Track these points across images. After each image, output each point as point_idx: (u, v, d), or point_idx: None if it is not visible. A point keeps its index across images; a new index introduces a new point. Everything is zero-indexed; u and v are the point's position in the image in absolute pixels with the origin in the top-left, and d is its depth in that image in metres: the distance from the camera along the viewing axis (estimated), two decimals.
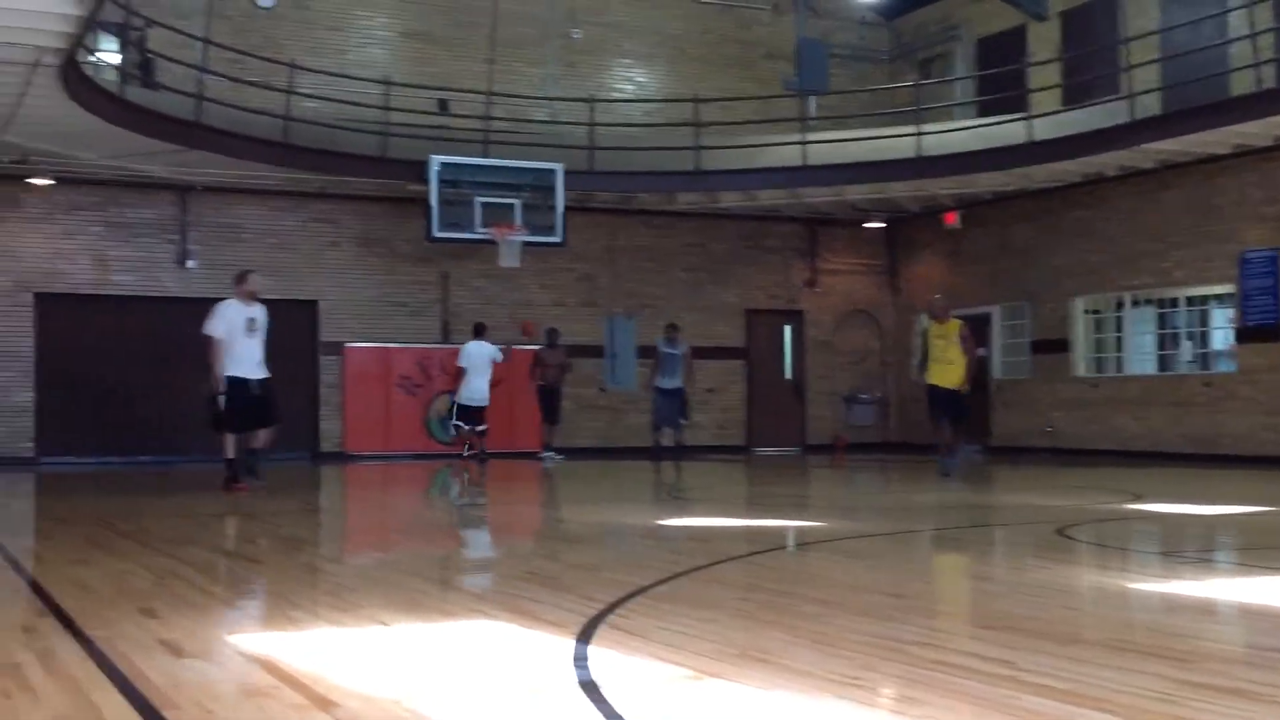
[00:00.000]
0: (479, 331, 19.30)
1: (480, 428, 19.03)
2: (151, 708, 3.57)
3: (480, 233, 19.17)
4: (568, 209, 20.02)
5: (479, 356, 18.89)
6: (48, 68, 13.18)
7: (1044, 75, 20.93)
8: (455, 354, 19.71)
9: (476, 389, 18.85)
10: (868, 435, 24.32)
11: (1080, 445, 17.51)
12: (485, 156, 19.50)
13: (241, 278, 13.25)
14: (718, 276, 23.56)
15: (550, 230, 19.65)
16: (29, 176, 18.87)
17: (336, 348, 20.91)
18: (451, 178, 19.00)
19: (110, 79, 16.49)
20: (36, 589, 6.02)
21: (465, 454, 19.27)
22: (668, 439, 19.75)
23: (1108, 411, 20.19)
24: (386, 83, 19.16)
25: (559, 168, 19.59)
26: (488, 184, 19.22)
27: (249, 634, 4.71)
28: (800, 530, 9.26)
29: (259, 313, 12.61)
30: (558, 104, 22.16)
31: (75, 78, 14.14)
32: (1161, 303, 20.03)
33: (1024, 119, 18.89)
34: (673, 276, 23.26)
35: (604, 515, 10.53)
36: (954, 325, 14.64)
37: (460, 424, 19.07)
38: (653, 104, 23.13)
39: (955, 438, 14.81)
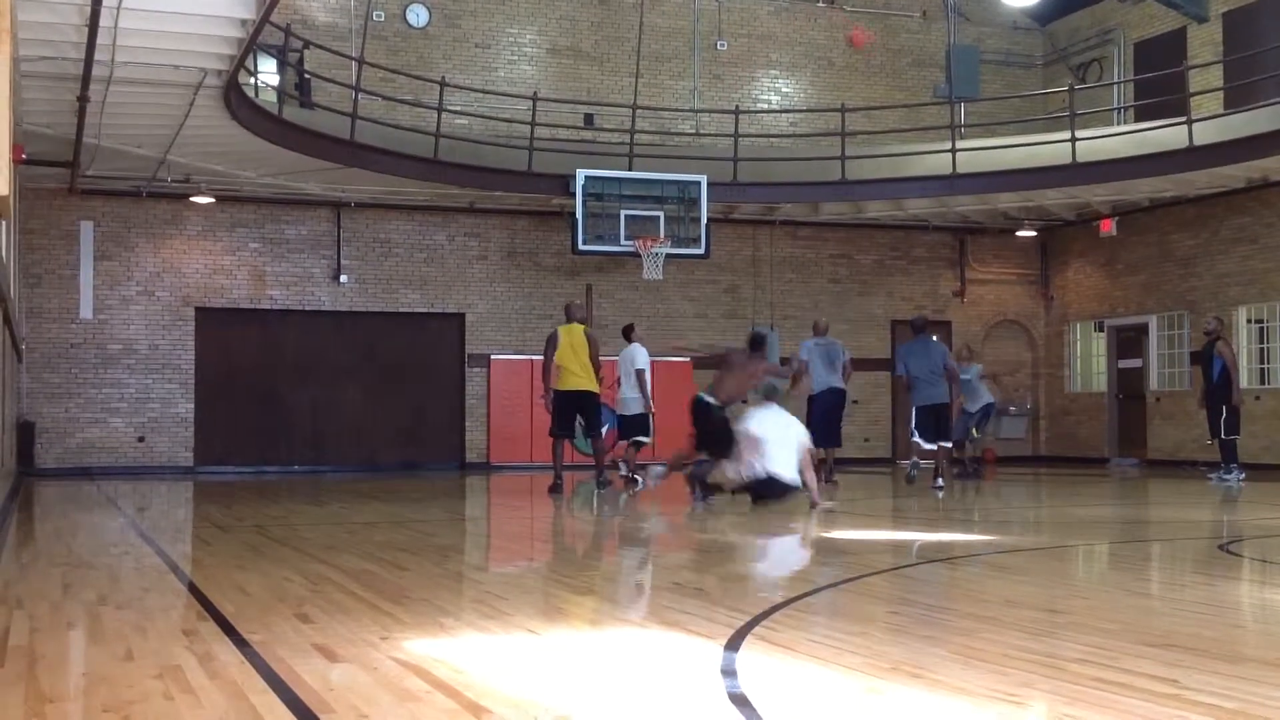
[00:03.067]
0: (626, 334, 16.88)
1: (635, 440, 15.92)
2: (308, 711, 3.63)
3: (625, 245, 19.25)
4: (711, 220, 19.99)
5: (623, 362, 16.23)
6: (210, 89, 13.63)
7: (1205, 78, 20.28)
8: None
9: (620, 398, 16.29)
10: (1017, 448, 23.82)
11: (1241, 459, 16.87)
12: (630, 169, 19.59)
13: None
14: (863, 287, 23.33)
15: (694, 242, 19.64)
16: (192, 195, 19.53)
17: (483, 360, 21.21)
18: (596, 191, 19.13)
19: (269, 99, 16.99)
20: (197, 593, 6.19)
21: (622, 472, 16.05)
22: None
23: (1271, 424, 19.45)
24: (534, 98, 19.39)
25: (703, 179, 19.59)
26: (632, 196, 19.31)
27: (401, 640, 4.77)
28: (950, 544, 9.07)
29: None
30: (702, 116, 22.22)
31: (236, 98, 14.59)
32: None
33: (1184, 123, 18.31)
34: (817, 287, 23.10)
35: (749, 527, 10.46)
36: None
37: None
38: (798, 114, 23.01)
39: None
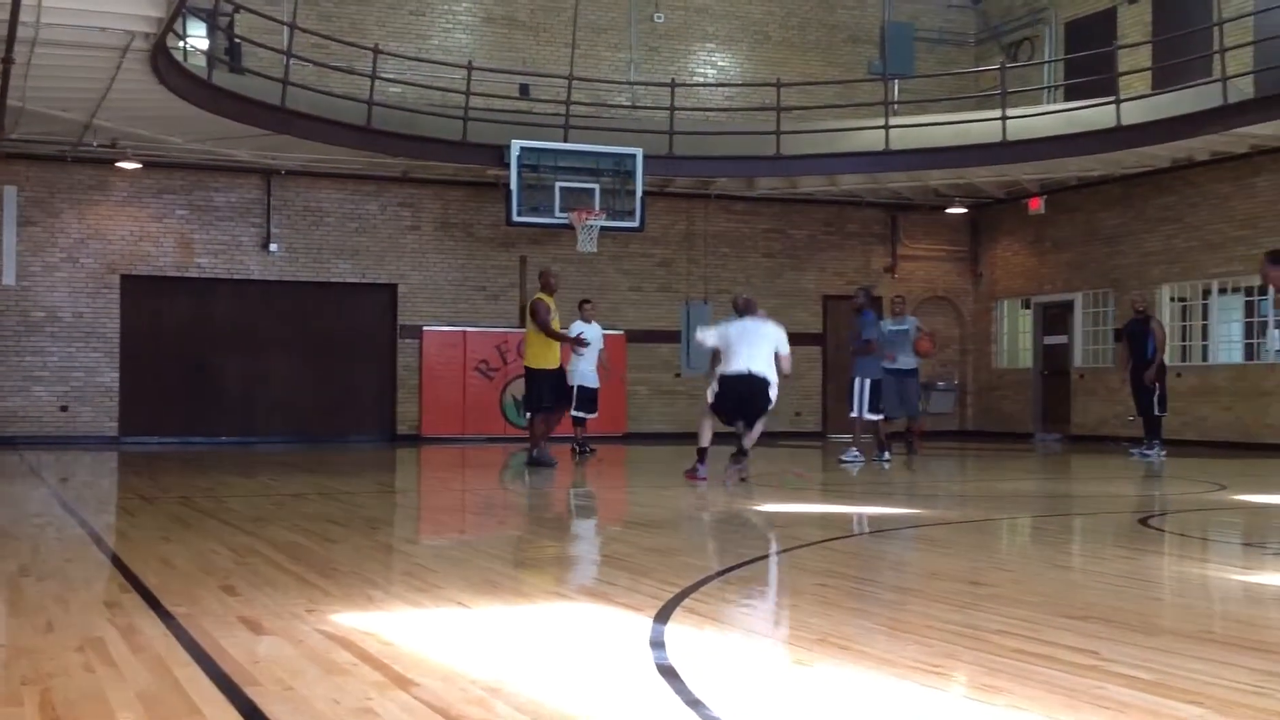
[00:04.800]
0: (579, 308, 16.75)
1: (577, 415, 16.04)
2: (232, 684, 3.60)
3: (559, 217, 19.19)
4: (647, 194, 19.97)
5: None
6: (138, 52, 13.38)
7: (1134, 58, 20.55)
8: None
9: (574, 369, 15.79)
10: (945, 423, 24.08)
11: (1164, 435, 17.18)
12: (565, 141, 19.51)
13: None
14: (796, 262, 23.43)
15: (629, 215, 19.62)
16: (118, 160, 19.20)
17: (415, 331, 21.07)
18: (532, 162, 19.04)
19: (198, 64, 16.71)
20: (120, 565, 6.11)
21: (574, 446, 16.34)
22: (899, 426, 17.19)
23: (1192, 401, 19.81)
24: (468, 67, 19.23)
25: (639, 152, 19.55)
26: (568, 168, 19.24)
27: (328, 612, 4.75)
28: (878, 517, 9.17)
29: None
30: (639, 88, 22.17)
31: (164, 62, 14.33)
32: (1249, 290, 19.60)
33: (1113, 103, 18.54)
34: (751, 262, 23.17)
35: (679, 500, 10.51)
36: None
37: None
38: (734, 88, 23.03)
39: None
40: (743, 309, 12.16)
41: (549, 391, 14.07)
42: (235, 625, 4.48)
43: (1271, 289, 11.51)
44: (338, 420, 20.95)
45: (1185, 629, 4.70)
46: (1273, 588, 5.82)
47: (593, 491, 11.95)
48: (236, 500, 9.87)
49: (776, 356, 11.86)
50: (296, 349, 20.76)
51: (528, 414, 14.86)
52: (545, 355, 14.02)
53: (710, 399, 11.84)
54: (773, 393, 11.81)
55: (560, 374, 14.37)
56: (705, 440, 11.93)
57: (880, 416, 15.23)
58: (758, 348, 11.78)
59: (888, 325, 16.73)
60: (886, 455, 15.12)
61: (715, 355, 15.20)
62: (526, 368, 14.29)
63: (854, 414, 15.16)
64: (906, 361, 16.58)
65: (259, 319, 20.64)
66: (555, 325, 14.03)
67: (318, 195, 20.83)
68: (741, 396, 11.73)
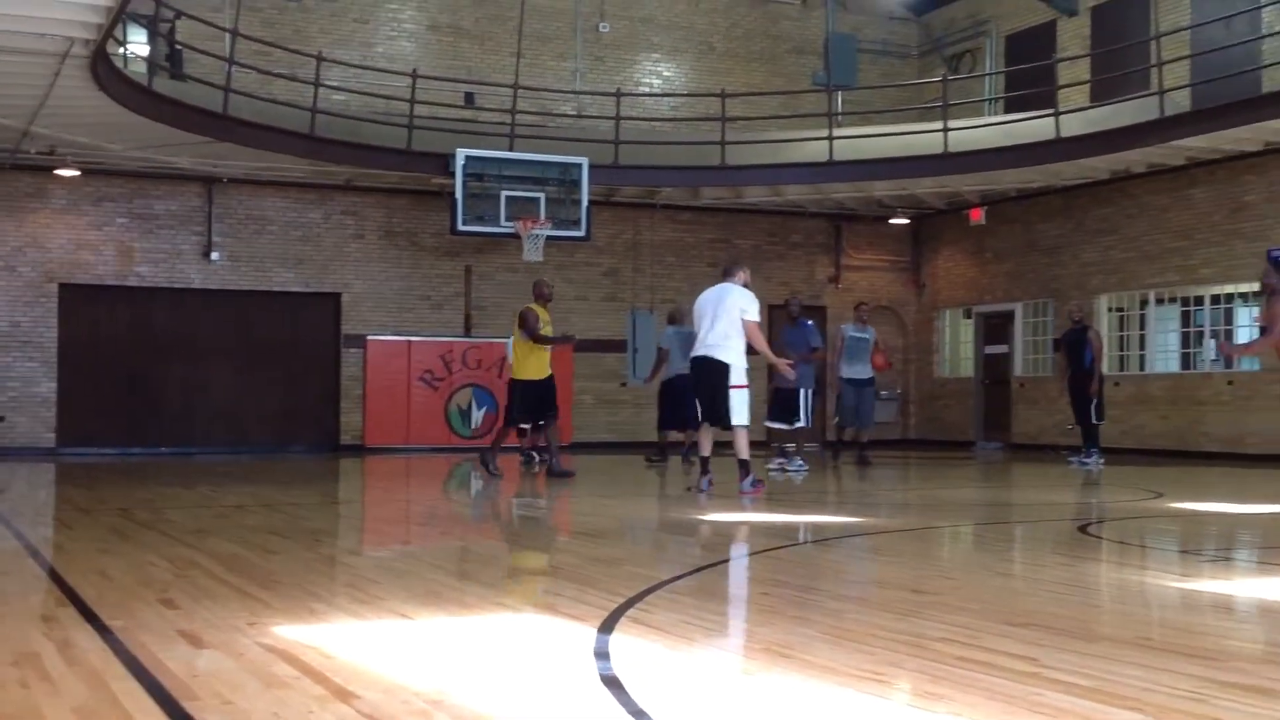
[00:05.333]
0: None
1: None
2: (171, 698, 3.56)
3: (504, 226, 19.15)
4: (592, 203, 19.99)
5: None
6: (77, 58, 13.23)
7: (1073, 71, 20.83)
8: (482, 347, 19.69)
9: None
10: (888, 431, 24.23)
11: (1102, 444, 17.40)
12: (511, 150, 19.48)
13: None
14: None
15: (575, 224, 19.62)
16: (56, 168, 18.97)
17: (359, 340, 20.95)
18: (477, 171, 19.00)
19: (139, 70, 16.56)
20: (57, 579, 6.02)
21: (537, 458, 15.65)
22: (849, 435, 17.51)
23: (1130, 410, 20.07)
24: (413, 75, 19.17)
25: (584, 161, 19.56)
26: (513, 177, 19.21)
27: (269, 625, 4.70)
28: (822, 525, 9.21)
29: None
30: (584, 98, 22.18)
31: (104, 69, 14.18)
32: (1186, 301, 19.90)
33: (1052, 115, 18.78)
34: (696, 271, 23.18)
35: (624, 510, 10.50)
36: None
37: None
38: (679, 98, 23.10)
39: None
40: (723, 270, 11.37)
41: (526, 404, 13.84)
42: (174, 639, 4.42)
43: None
44: (280, 430, 20.77)
45: (1123, 636, 4.75)
46: (1209, 594, 5.90)
47: (538, 501, 11.93)
48: (176, 512, 9.75)
49: (745, 329, 10.86)
50: (238, 358, 20.58)
51: (512, 425, 14.44)
52: (527, 366, 13.81)
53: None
54: (733, 375, 10.96)
55: (548, 384, 14.00)
56: (705, 449, 11.60)
57: (785, 425, 15.10)
58: (717, 324, 10.89)
59: (850, 331, 16.85)
60: (782, 460, 15.03)
61: (657, 359, 15.54)
62: (511, 380, 14.01)
63: (800, 424, 15.14)
64: (864, 371, 16.67)
65: (200, 328, 20.45)
66: (546, 334, 13.88)
67: (260, 203, 20.67)
68: (699, 389, 11.25)
